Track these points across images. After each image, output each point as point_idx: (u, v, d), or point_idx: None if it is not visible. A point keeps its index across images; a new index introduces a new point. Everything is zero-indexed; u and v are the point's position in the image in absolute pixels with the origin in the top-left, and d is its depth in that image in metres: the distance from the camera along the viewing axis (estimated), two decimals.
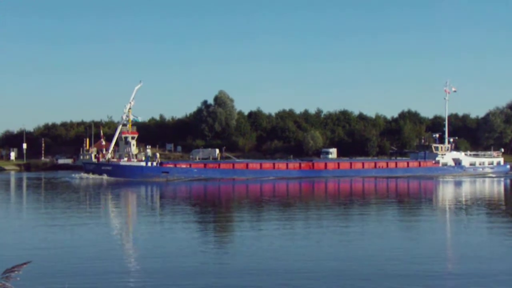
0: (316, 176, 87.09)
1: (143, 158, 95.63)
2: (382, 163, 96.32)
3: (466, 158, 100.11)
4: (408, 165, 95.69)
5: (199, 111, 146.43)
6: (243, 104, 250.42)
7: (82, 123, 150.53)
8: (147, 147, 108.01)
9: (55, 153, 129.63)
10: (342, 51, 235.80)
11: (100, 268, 21.03)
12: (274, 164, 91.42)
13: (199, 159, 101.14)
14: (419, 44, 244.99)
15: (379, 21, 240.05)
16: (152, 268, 21.05)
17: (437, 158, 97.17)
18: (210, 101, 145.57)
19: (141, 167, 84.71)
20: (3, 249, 24.92)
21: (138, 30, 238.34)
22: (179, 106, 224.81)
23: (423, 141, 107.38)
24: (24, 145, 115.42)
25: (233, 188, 69.36)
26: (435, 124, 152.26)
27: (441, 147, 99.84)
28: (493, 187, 69.72)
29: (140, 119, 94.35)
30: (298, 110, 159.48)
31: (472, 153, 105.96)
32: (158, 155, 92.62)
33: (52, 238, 27.98)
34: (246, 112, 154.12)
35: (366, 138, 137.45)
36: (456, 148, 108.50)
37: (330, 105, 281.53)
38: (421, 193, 62.96)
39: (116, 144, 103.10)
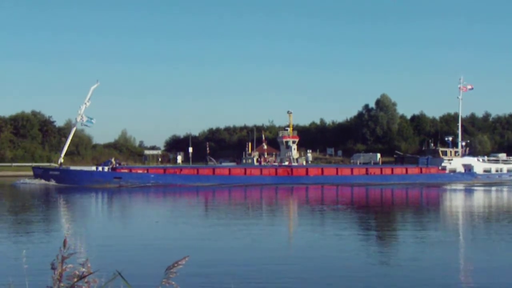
0: (294, 183, 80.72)
1: (304, 163, 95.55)
2: (375, 169, 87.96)
3: (479, 164, 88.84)
4: (406, 172, 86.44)
5: (360, 115, 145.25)
6: (406, 108, 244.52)
7: (244, 128, 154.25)
8: (308, 151, 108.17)
9: (219, 157, 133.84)
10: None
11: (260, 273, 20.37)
12: (245, 169, 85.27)
13: (359, 163, 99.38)
14: None
15: None
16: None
17: (443, 164, 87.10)
18: (372, 105, 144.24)
19: (91, 172, 79.74)
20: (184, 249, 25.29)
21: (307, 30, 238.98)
22: (339, 110, 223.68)
23: (432, 144, 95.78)
24: (190, 149, 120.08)
25: (197, 195, 63.20)
26: None
27: (450, 151, 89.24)
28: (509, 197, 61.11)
29: (94, 122, 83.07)
30: (464, 113, 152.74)
31: (491, 158, 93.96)
32: (113, 159, 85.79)
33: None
34: (408, 116, 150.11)
35: None
36: (471, 152, 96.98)
37: (499, 109, 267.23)
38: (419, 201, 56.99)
39: (277, 148, 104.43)
